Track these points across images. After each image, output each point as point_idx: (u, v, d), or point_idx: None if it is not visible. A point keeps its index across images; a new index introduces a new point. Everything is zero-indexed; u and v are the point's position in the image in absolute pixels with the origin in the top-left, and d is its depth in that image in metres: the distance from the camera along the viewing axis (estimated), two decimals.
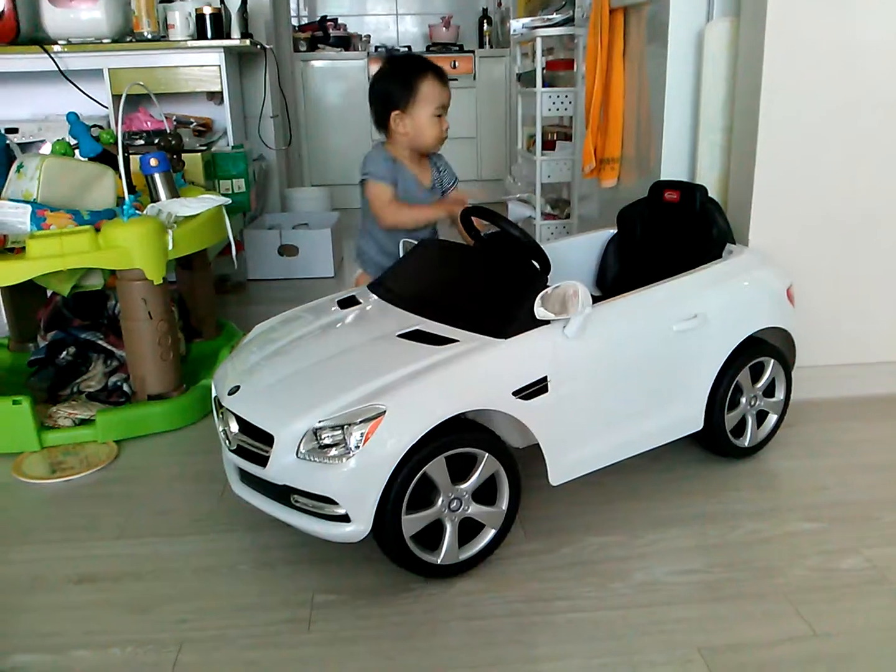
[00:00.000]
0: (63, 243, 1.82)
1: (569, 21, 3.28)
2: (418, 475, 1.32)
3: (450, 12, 5.53)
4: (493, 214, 1.66)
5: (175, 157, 2.38)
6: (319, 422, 1.30)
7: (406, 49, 5.34)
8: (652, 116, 2.30)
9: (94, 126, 2.57)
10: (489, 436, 1.41)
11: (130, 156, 2.25)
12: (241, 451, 1.40)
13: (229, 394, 1.44)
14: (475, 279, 1.63)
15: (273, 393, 1.40)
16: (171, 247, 1.94)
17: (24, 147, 3.11)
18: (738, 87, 2.04)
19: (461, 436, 1.37)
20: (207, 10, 3.18)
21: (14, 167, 2.01)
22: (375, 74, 1.95)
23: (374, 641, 1.29)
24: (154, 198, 2.14)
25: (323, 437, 1.29)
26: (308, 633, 1.31)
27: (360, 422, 1.28)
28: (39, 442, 1.91)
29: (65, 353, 2.12)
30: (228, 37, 3.27)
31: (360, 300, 1.67)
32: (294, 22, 5.25)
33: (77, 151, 2.21)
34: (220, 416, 1.47)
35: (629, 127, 2.50)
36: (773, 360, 1.78)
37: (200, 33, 3.20)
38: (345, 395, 1.32)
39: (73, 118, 2.26)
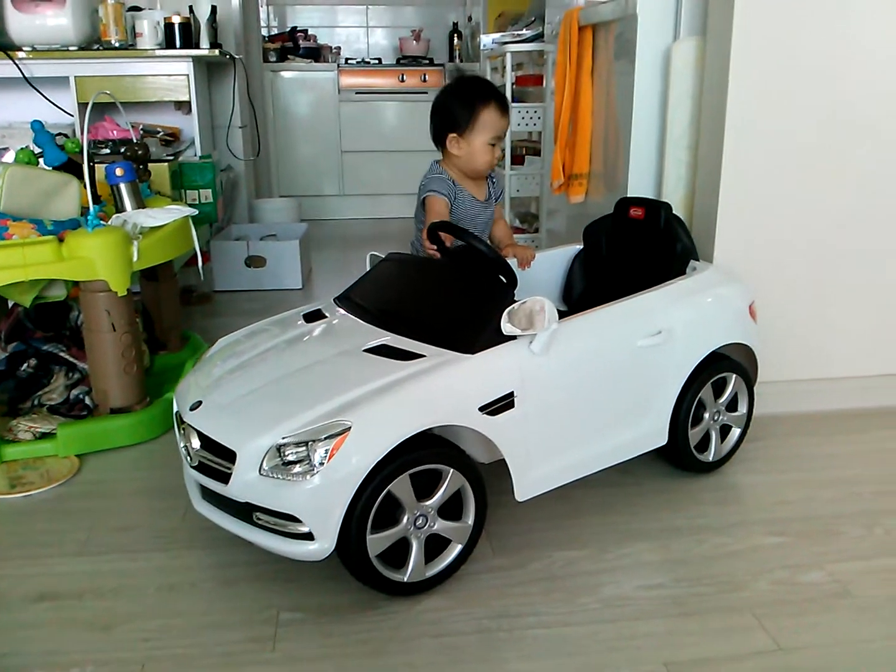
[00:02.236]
0: (25, 253, 1.79)
1: (538, 37, 3.32)
2: (383, 494, 1.31)
3: (420, 26, 5.55)
4: (460, 230, 1.67)
5: (141, 166, 2.36)
6: (283, 438, 1.28)
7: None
8: (619, 133, 2.33)
9: (60, 134, 2.54)
10: (454, 451, 1.40)
11: (96, 165, 2.22)
12: (202, 468, 1.38)
13: (191, 409, 1.42)
14: (442, 294, 1.62)
15: (236, 408, 1.38)
16: (136, 258, 1.91)
17: None
18: (703, 105, 2.07)
19: (426, 452, 1.35)
20: (176, 20, 3.16)
21: None
22: (442, 91, 1.95)
23: (339, 660, 1.28)
24: (119, 208, 2.11)
25: (286, 453, 1.28)
26: (273, 651, 1.29)
27: (325, 438, 1.26)
28: None
29: (26, 364, 2.08)
30: (197, 46, 3.26)
31: (327, 314, 1.66)
32: (264, 32, 5.23)
33: (41, 160, 2.18)
34: (182, 431, 1.44)
35: (597, 143, 2.52)
36: (735, 376, 1.80)
37: (169, 42, 3.18)
38: (309, 411, 1.30)
39: (37, 126, 2.22)
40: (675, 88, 2.12)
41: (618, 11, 2.24)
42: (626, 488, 1.76)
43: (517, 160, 3.51)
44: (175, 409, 1.50)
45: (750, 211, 2.01)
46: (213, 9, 3.35)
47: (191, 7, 3.29)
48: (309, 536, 1.29)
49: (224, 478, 1.33)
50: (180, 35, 3.18)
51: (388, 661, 1.27)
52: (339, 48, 5.50)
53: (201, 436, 1.38)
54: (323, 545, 1.29)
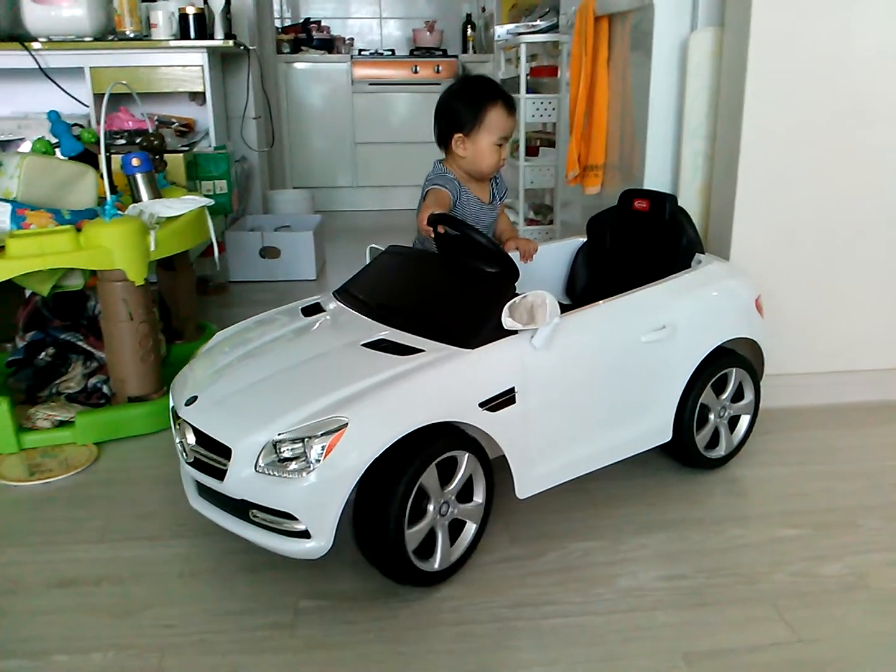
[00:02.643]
0: (43, 243, 1.79)
1: (553, 28, 3.30)
2: (415, 487, 1.30)
3: (434, 17, 5.54)
4: (460, 223, 1.64)
5: (157, 157, 2.36)
6: (279, 434, 1.26)
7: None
8: (636, 124, 2.32)
9: (75, 125, 2.55)
10: (467, 435, 1.39)
11: (112, 155, 2.23)
12: (197, 464, 1.37)
13: (186, 404, 1.40)
14: (442, 288, 1.60)
15: (231, 404, 1.37)
16: (153, 248, 1.92)
17: (3, 145, 3.08)
18: (721, 95, 2.06)
19: (448, 440, 1.35)
20: (191, 10, 3.16)
21: None
22: (447, 90, 1.89)
23: (359, 646, 1.28)
24: (136, 198, 2.12)
25: (282, 450, 1.26)
26: (292, 638, 1.30)
27: (321, 434, 1.25)
28: (18, 443, 1.88)
29: (44, 353, 2.09)
30: (212, 37, 3.26)
31: (325, 307, 1.65)
32: (277, 24, 5.23)
33: (58, 150, 2.19)
34: (177, 426, 1.42)
35: (613, 134, 2.51)
36: (741, 371, 1.77)
37: (183, 33, 3.18)
38: (306, 407, 1.28)
39: (54, 117, 2.24)
40: (693, 79, 2.11)
41: (635, 1, 2.23)
42: (642, 480, 1.76)
43: (531, 151, 3.50)
44: (171, 404, 1.49)
45: (767, 201, 2.00)
46: (227, 0, 3.35)
47: None
48: (305, 534, 1.28)
49: (219, 474, 1.31)
50: (195, 26, 3.18)
51: (407, 648, 1.28)
52: (353, 39, 5.50)
53: (196, 431, 1.36)
54: (319, 543, 1.28)
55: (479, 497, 1.43)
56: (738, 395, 1.81)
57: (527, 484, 1.48)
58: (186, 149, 3.09)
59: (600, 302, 1.58)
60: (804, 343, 2.10)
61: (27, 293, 2.24)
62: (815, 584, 1.44)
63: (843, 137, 1.98)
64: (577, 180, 2.63)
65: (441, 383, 1.36)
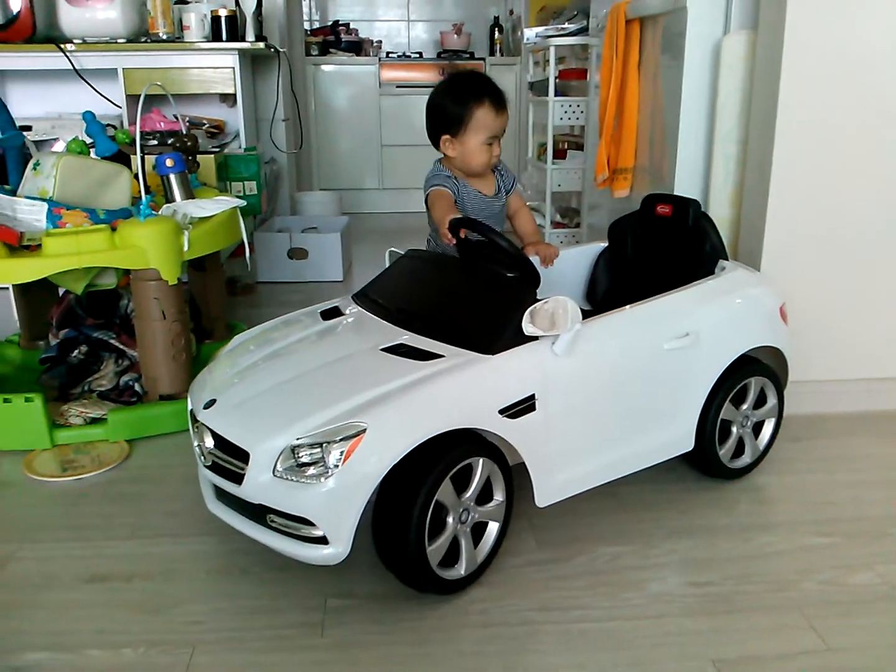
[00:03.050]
0: (79, 242, 1.82)
1: (583, 31, 3.30)
2: (432, 504, 1.29)
3: (461, 20, 5.55)
4: (483, 226, 1.62)
5: (190, 157, 2.39)
6: (297, 439, 1.26)
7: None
8: (666, 128, 2.31)
9: (109, 125, 2.58)
10: (480, 439, 1.37)
11: (145, 156, 2.25)
12: (215, 468, 1.37)
13: (205, 407, 1.39)
14: (462, 292, 1.58)
15: (250, 407, 1.36)
16: (186, 248, 1.94)
17: (38, 145, 3.11)
18: (754, 99, 2.05)
19: (460, 450, 1.33)
20: (223, 13, 3.19)
21: (30, 165, 2.01)
22: (435, 89, 1.87)
23: (387, 647, 1.29)
24: (169, 198, 2.14)
25: (301, 455, 1.26)
26: (321, 637, 1.31)
27: (340, 440, 1.24)
28: (51, 440, 1.91)
29: (77, 351, 2.12)
30: (243, 39, 3.29)
31: (344, 311, 1.64)
32: (306, 26, 5.26)
33: (92, 150, 2.21)
34: (196, 430, 1.42)
35: (643, 138, 2.50)
36: (763, 379, 1.75)
37: (215, 35, 3.22)
38: (324, 412, 1.28)
39: (89, 117, 2.27)
40: (725, 83, 2.10)
41: (667, 4, 2.22)
42: (671, 485, 1.75)
43: (559, 154, 3.50)
44: (189, 407, 1.49)
45: (800, 207, 1.98)
46: (259, 2, 3.37)
47: (237, 0, 3.32)
48: (323, 540, 1.27)
49: (237, 478, 1.31)
50: (226, 28, 3.21)
51: (435, 649, 1.28)
52: (381, 42, 5.52)
53: (215, 435, 1.36)
54: (337, 549, 1.27)
55: (499, 495, 1.42)
56: (761, 401, 1.78)
57: (546, 492, 1.47)
58: (217, 150, 3.12)
59: (622, 308, 1.57)
60: (834, 350, 2.09)
61: (61, 291, 2.28)
62: (845, 592, 1.42)
63: (877, 142, 1.96)
64: (605, 183, 2.63)
65: (460, 389, 1.34)
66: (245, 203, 2.23)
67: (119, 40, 3.11)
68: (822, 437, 2.00)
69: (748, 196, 2.10)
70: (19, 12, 2.93)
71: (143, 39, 3.19)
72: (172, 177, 2.13)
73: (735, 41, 2.07)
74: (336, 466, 1.23)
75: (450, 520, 1.34)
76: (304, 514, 1.26)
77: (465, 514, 1.36)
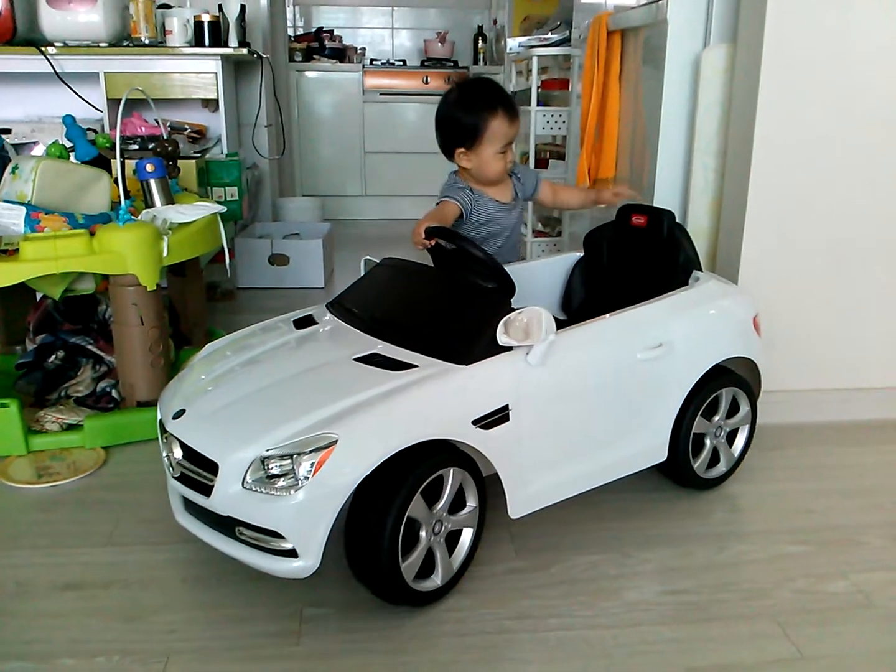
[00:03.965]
0: (57, 246, 1.81)
1: (565, 41, 3.32)
2: (404, 520, 1.28)
3: (445, 28, 5.57)
4: (456, 235, 1.62)
5: (171, 163, 2.38)
6: (267, 450, 1.24)
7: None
8: (647, 138, 2.33)
9: (89, 129, 2.57)
10: (453, 449, 1.36)
11: (125, 161, 2.24)
12: (184, 479, 1.35)
13: (174, 417, 1.38)
14: (436, 302, 1.57)
15: (219, 418, 1.34)
16: (165, 253, 1.93)
17: (17, 148, 3.09)
18: (733, 111, 2.07)
19: (429, 464, 1.31)
20: (206, 18, 3.18)
21: (9, 168, 2.00)
22: (445, 99, 1.84)
23: (363, 656, 1.28)
24: (149, 203, 2.13)
25: (271, 466, 1.24)
26: (297, 646, 1.30)
27: (311, 451, 1.22)
28: (26, 446, 1.89)
29: (53, 356, 2.10)
30: (226, 45, 3.28)
31: (318, 320, 1.63)
32: (290, 32, 5.26)
33: (72, 154, 2.20)
34: (164, 440, 1.40)
35: (624, 148, 2.52)
36: (738, 390, 1.75)
37: (198, 40, 3.21)
38: (295, 423, 1.26)
39: (69, 121, 2.25)
40: (704, 95, 2.12)
41: (648, 17, 2.24)
42: (647, 494, 1.76)
43: (541, 164, 3.51)
44: (158, 417, 1.47)
45: (778, 218, 2.00)
46: (242, 8, 3.37)
47: (220, 5, 3.31)
48: (293, 553, 1.26)
49: (206, 490, 1.29)
50: (209, 33, 3.20)
51: (412, 657, 1.28)
52: (364, 49, 5.53)
53: (183, 445, 1.34)
54: (307, 563, 1.26)
55: (472, 501, 1.41)
56: (733, 411, 1.78)
57: (519, 503, 1.46)
58: (199, 155, 3.11)
59: (596, 318, 1.56)
60: (811, 360, 2.11)
61: (38, 296, 2.26)
62: (820, 600, 1.44)
63: (855, 155, 1.99)
64: None
65: (434, 400, 1.34)
66: (225, 209, 2.23)
67: (101, 44, 3.09)
68: (796, 445, 2.02)
69: (727, 207, 2.12)
70: None
71: (125, 43, 3.17)
72: (153, 182, 2.12)
73: (714, 54, 2.09)
74: (306, 478, 1.22)
75: (423, 533, 1.33)
76: (273, 526, 1.24)
77: (437, 525, 1.36)
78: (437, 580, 1.38)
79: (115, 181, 2.03)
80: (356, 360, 1.42)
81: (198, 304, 2.45)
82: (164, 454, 1.40)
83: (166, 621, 1.36)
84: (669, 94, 2.20)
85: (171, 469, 1.38)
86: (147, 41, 3.16)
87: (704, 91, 2.12)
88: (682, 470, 1.72)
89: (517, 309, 1.39)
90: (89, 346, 2.11)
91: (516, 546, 1.57)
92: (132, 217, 1.95)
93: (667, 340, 1.59)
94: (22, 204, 1.88)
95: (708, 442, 1.74)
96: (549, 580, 1.48)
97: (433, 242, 1.64)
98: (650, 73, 2.29)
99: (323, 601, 1.40)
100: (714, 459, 1.78)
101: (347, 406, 1.28)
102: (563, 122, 3.32)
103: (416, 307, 1.58)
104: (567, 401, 1.48)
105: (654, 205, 2.22)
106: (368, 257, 1.74)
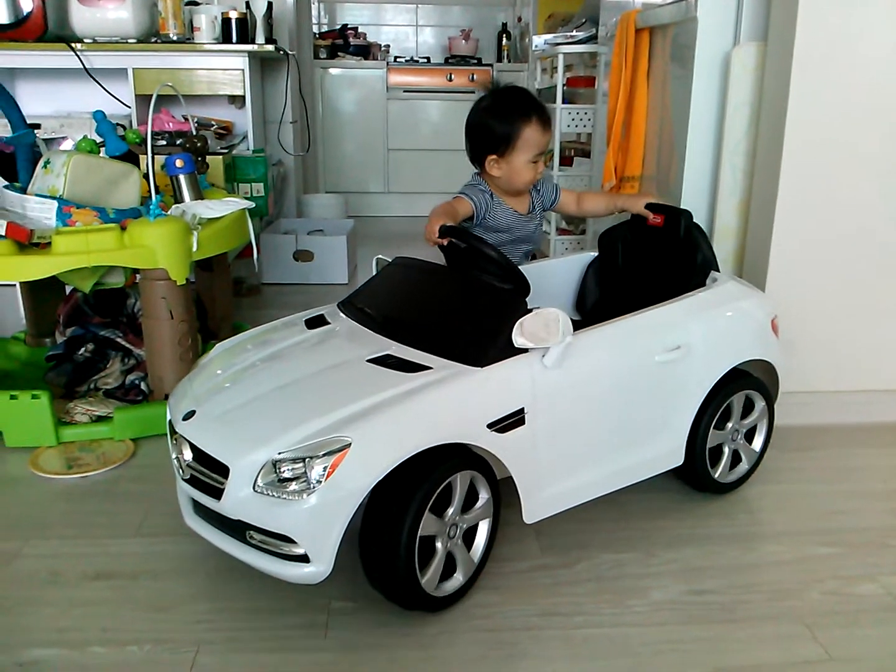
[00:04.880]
0: (89, 240, 1.83)
1: (591, 39, 3.31)
2: (417, 538, 1.26)
3: (469, 25, 5.57)
4: (470, 235, 1.59)
5: (200, 159, 2.40)
6: (279, 453, 1.21)
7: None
8: (674, 137, 2.32)
9: (118, 125, 2.59)
10: (467, 452, 1.33)
11: (154, 156, 2.26)
12: (194, 482, 1.32)
13: (184, 419, 1.35)
14: (451, 303, 1.54)
15: (230, 420, 1.31)
16: (195, 248, 1.95)
17: (46, 143, 3.13)
18: (763, 111, 2.06)
19: (443, 468, 1.28)
20: (233, 15, 3.20)
21: (41, 163, 2.02)
22: (476, 106, 1.81)
23: (390, 650, 1.29)
24: (178, 199, 2.15)
25: (282, 469, 1.21)
26: (325, 639, 1.31)
27: (323, 455, 1.20)
28: (57, 437, 1.92)
29: (83, 349, 2.13)
30: (253, 41, 3.30)
31: (330, 320, 1.59)
32: (315, 29, 5.28)
33: (102, 149, 2.22)
34: (174, 441, 1.37)
35: (651, 146, 2.51)
36: (756, 394, 1.73)
37: (226, 37, 3.23)
38: (307, 425, 1.23)
39: (99, 116, 2.27)
40: (734, 94, 2.11)
41: (677, 14, 2.23)
42: (673, 494, 1.76)
43: (565, 161, 3.51)
44: (168, 418, 1.45)
45: (807, 219, 1.99)
46: (269, 5, 3.38)
47: (247, 2, 3.33)
48: (304, 558, 1.23)
49: (216, 493, 1.27)
50: (237, 30, 3.22)
51: (439, 652, 1.29)
52: (389, 46, 5.54)
53: (193, 448, 1.32)
54: (319, 568, 1.23)
55: (484, 493, 1.38)
56: (747, 410, 1.75)
57: (534, 508, 1.43)
58: (226, 151, 3.13)
59: (613, 320, 1.53)
60: (837, 361, 2.09)
61: (68, 289, 2.29)
62: (849, 602, 1.43)
63: (885, 155, 1.97)
64: (613, 191, 2.63)
65: (448, 403, 1.31)
66: (254, 205, 2.24)
67: (129, 40, 3.12)
68: (822, 447, 2.00)
69: (755, 207, 2.11)
70: (31, 11, 2.94)
71: (153, 40, 3.20)
72: (182, 177, 2.14)
73: (744, 52, 2.08)
74: (319, 482, 1.20)
75: (439, 545, 1.32)
76: (284, 531, 1.22)
77: (453, 529, 1.34)
78: (459, 578, 1.37)
79: (144, 176, 2.05)
80: (369, 361, 1.39)
81: (225, 298, 2.47)
82: (174, 455, 1.37)
83: (195, 611, 1.37)
84: (698, 93, 2.18)
85: (180, 471, 1.35)
86: (175, 38, 3.19)
87: (734, 90, 2.11)
88: (700, 474, 1.70)
89: (532, 310, 1.37)
90: (118, 339, 2.14)
91: (542, 543, 1.57)
92: (162, 212, 1.96)
93: (685, 342, 1.57)
94: (54, 198, 1.90)
95: (726, 449, 1.72)
96: (575, 578, 1.48)
97: (447, 241, 1.62)
98: (678, 72, 2.28)
99: (351, 594, 1.41)
100: (735, 460, 1.75)
101: (361, 409, 1.25)
102: (589, 119, 3.32)
103: (429, 308, 1.55)
104: (583, 404, 1.46)
105: (682, 205, 2.21)
106: (381, 256, 1.71)
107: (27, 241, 1.83)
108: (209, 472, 1.29)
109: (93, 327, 2.15)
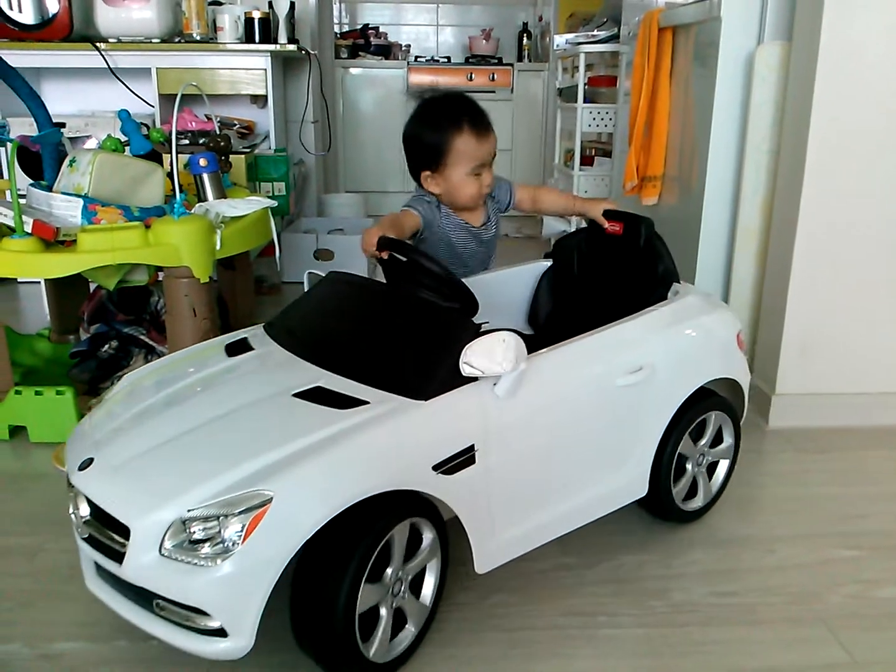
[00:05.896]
0: (114, 238, 1.84)
1: (613, 38, 3.30)
2: (356, 619, 1.11)
3: (490, 25, 5.56)
4: (411, 248, 1.47)
5: (223, 158, 2.41)
6: (189, 511, 1.05)
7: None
8: (697, 136, 2.31)
9: (142, 124, 2.61)
10: (399, 500, 1.17)
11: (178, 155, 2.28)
12: (93, 542, 1.15)
13: (80, 468, 1.16)
14: (390, 325, 1.34)
15: (133, 470, 1.13)
16: (219, 246, 1.96)
17: (72, 142, 3.16)
18: (787, 111, 2.05)
19: (373, 535, 1.12)
20: (256, 14, 3.22)
21: (66, 161, 2.04)
22: (410, 118, 1.70)
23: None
24: (201, 197, 2.17)
25: (193, 530, 1.05)
26: None
27: (241, 512, 1.04)
28: None
29: (107, 346, 2.15)
30: (276, 41, 3.32)
31: (253, 345, 1.41)
32: (336, 29, 5.30)
33: (127, 148, 2.24)
34: (71, 494, 1.18)
35: (673, 146, 2.50)
36: (721, 414, 1.61)
37: (248, 37, 3.25)
38: (222, 477, 1.07)
39: (124, 115, 2.29)
40: (757, 93, 2.10)
41: (701, 14, 2.23)
42: None
43: (586, 161, 3.51)
44: (63, 468, 1.26)
45: (830, 219, 1.97)
46: (292, 5, 3.40)
47: (270, 2, 3.35)
48: (221, 632, 1.07)
49: (118, 556, 1.09)
50: (260, 30, 3.24)
51: (460, 651, 1.29)
52: (409, 46, 5.54)
53: (91, 503, 1.14)
54: (238, 643, 1.07)
55: (428, 533, 1.22)
56: (716, 440, 1.64)
57: (487, 556, 1.28)
58: (248, 150, 3.15)
59: (570, 340, 1.38)
60: (854, 363, 2.07)
61: (92, 286, 2.31)
62: (871, 606, 1.42)
63: None
64: (634, 191, 2.63)
65: (388, 445, 1.15)
66: (276, 204, 2.25)
67: (153, 40, 3.15)
68: (842, 449, 1.99)
69: (779, 206, 2.09)
70: (57, 11, 2.97)
71: (176, 40, 3.23)
72: (206, 176, 2.16)
73: (768, 51, 2.07)
74: (235, 544, 1.04)
75: (383, 611, 1.18)
76: (196, 602, 1.06)
77: (397, 585, 1.19)
78: (412, 629, 1.24)
79: (168, 175, 2.07)
80: (296, 395, 1.21)
81: (247, 297, 2.49)
82: (70, 510, 1.18)
83: None
84: (721, 92, 2.18)
85: (78, 529, 1.18)
86: (198, 37, 3.21)
87: (757, 89, 2.10)
88: (663, 501, 1.57)
89: (483, 331, 1.24)
90: (142, 336, 2.15)
91: (561, 542, 1.57)
92: (186, 210, 1.98)
93: (647, 363, 1.43)
94: (79, 196, 1.92)
95: (689, 467, 1.59)
96: (596, 578, 1.48)
97: (386, 254, 1.47)
98: (702, 71, 2.27)
99: None
100: (692, 491, 1.63)
101: (285, 455, 1.09)
102: (610, 119, 3.31)
103: (365, 331, 1.36)
104: (540, 436, 1.32)
105: (705, 204, 2.21)
106: (313, 271, 1.53)
107: (53, 239, 1.85)
108: (109, 532, 1.11)
109: (116, 324, 2.17)
